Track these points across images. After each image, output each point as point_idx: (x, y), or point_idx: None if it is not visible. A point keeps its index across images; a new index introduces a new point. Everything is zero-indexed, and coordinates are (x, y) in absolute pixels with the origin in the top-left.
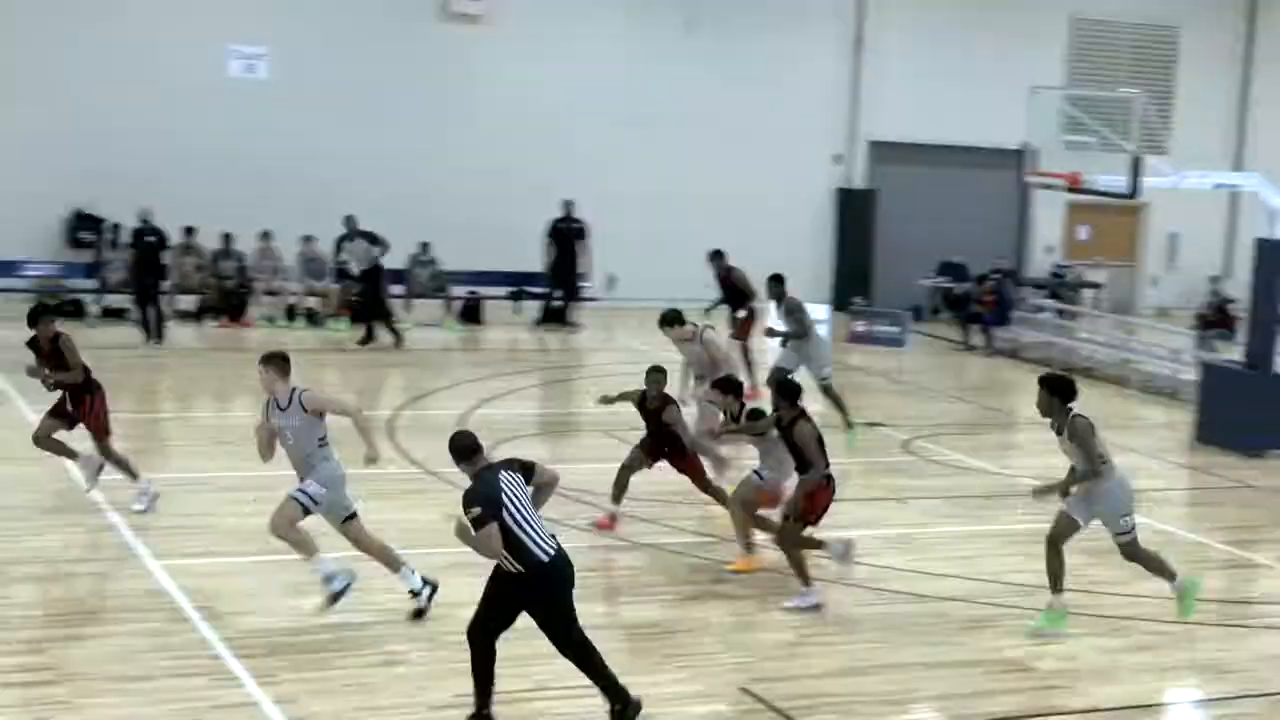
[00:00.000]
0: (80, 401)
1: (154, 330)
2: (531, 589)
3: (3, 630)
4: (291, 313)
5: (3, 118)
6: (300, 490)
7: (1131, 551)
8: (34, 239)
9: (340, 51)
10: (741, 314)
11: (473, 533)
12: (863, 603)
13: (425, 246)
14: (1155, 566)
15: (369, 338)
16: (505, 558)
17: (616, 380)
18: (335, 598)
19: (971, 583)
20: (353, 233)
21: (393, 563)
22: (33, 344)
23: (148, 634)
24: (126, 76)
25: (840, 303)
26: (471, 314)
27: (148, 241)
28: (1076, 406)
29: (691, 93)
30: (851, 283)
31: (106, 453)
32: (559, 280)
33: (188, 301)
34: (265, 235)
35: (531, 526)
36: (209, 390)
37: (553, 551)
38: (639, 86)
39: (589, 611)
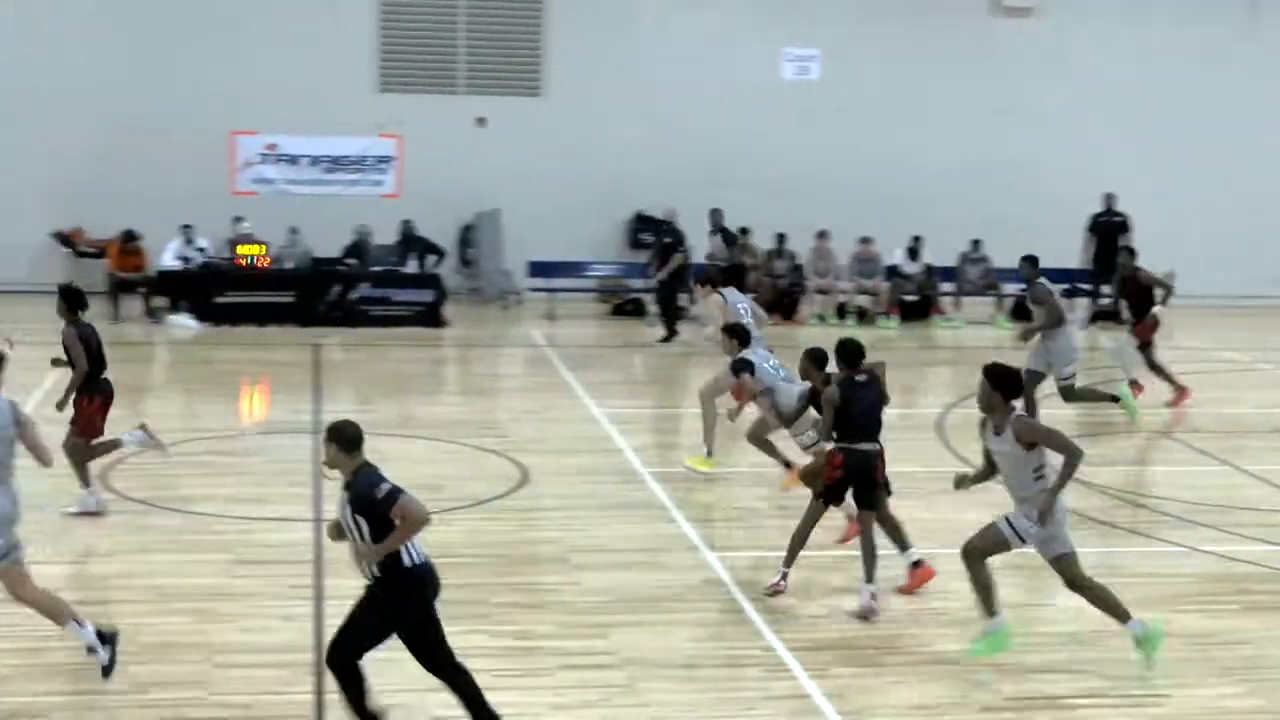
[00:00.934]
0: (80, 398)
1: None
2: (393, 595)
3: (569, 614)
4: (842, 310)
5: (569, 128)
6: None
7: (1072, 578)
8: (601, 241)
9: (890, 50)
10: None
11: (366, 544)
12: None
13: (976, 244)
14: (1103, 600)
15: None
16: (369, 563)
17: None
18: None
19: None
20: (715, 228)
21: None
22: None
23: (703, 623)
24: (684, 82)
25: None
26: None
27: (666, 243)
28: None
29: (1249, 85)
30: None
31: (71, 447)
32: (1104, 276)
33: None
34: (821, 235)
35: None
36: None
37: (420, 560)
38: (1196, 79)
39: (1143, 618)
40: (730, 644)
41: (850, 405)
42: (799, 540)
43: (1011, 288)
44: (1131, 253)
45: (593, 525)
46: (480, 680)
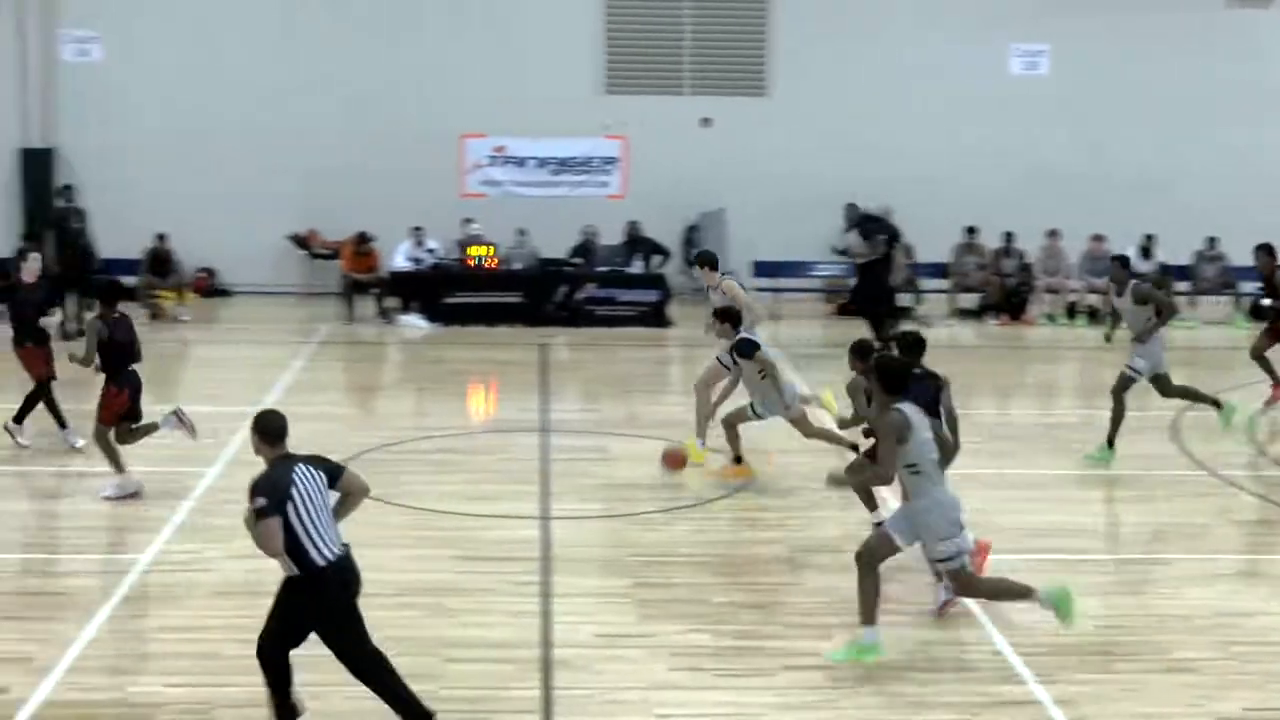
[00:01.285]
0: (109, 386)
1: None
2: (304, 594)
3: (792, 615)
4: (1072, 310)
5: (794, 127)
6: None
7: (963, 583)
8: (826, 240)
9: (1120, 43)
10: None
11: (254, 525)
12: None
13: (1212, 241)
14: (1002, 591)
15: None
16: (284, 558)
17: None
18: None
19: None
20: (851, 222)
21: None
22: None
23: (931, 626)
24: (909, 79)
25: None
26: (1261, 311)
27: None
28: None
29: None
30: None
31: (98, 436)
32: None
33: (968, 299)
34: (1052, 233)
35: (316, 528)
36: (986, 388)
37: (332, 558)
38: None
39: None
40: (957, 647)
41: None
42: None
43: (1250, 286)
44: (1270, 251)
45: (816, 526)
46: (702, 679)
